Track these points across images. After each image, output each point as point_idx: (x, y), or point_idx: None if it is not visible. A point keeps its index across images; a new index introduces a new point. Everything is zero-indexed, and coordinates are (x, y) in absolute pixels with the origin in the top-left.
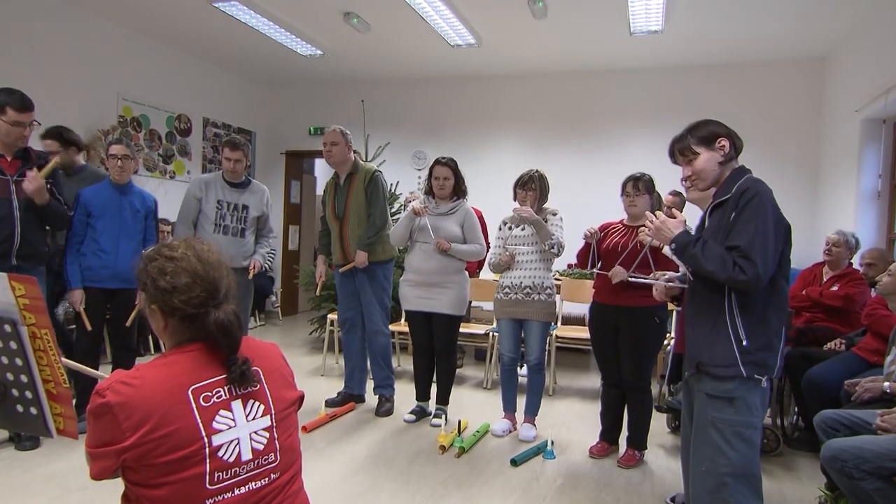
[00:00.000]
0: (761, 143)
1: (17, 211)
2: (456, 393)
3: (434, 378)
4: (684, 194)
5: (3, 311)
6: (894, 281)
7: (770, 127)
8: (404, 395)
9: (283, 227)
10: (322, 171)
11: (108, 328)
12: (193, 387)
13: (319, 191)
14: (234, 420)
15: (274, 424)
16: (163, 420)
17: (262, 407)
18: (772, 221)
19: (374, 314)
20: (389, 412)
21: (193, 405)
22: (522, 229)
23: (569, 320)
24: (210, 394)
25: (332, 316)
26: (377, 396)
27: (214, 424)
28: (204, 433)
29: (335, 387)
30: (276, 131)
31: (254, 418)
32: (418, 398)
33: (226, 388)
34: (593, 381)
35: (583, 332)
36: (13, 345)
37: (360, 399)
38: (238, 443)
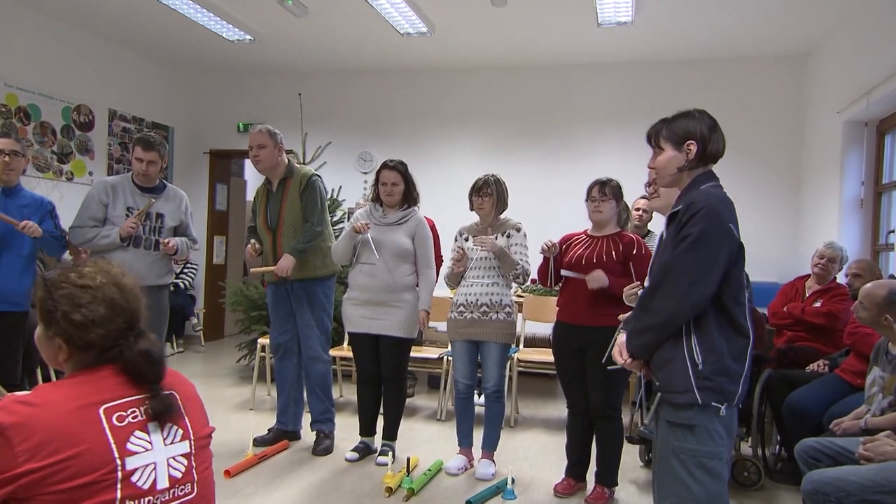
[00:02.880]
0: (739, 146)
1: None
2: (405, 426)
3: (381, 410)
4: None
5: None
6: (872, 317)
7: (748, 128)
8: (346, 430)
9: (207, 239)
10: (253, 175)
11: None
12: (106, 405)
13: (249, 196)
14: (150, 443)
15: (193, 452)
16: (68, 441)
17: (181, 432)
18: (710, 245)
19: (311, 337)
20: (329, 450)
21: (105, 424)
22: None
23: (532, 342)
24: (125, 413)
25: (264, 340)
26: (315, 432)
27: (129, 446)
28: (117, 454)
29: (266, 422)
30: (199, 127)
31: (172, 443)
32: (362, 433)
33: (142, 409)
34: (560, 409)
35: (547, 355)
36: None
37: (295, 436)
38: (154, 468)
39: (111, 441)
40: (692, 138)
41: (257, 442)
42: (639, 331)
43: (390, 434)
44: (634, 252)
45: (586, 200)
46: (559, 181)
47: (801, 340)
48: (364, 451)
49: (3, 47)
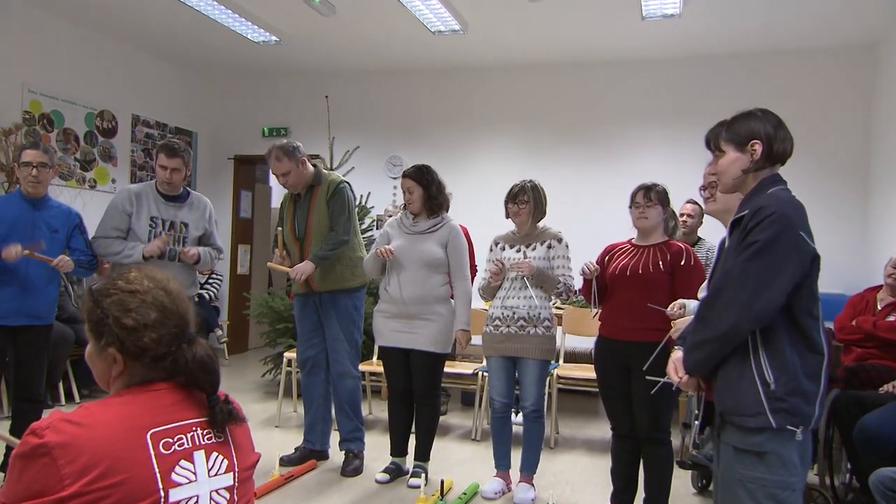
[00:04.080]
0: (799, 146)
1: None
2: (438, 446)
3: (413, 429)
4: (703, 205)
5: None
6: None
7: (808, 127)
8: (376, 449)
9: (231, 248)
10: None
11: (8, 374)
12: (153, 430)
13: (275, 203)
14: (195, 473)
15: (236, 485)
16: (113, 466)
17: (226, 463)
18: (779, 253)
19: (340, 352)
20: (358, 471)
21: (151, 452)
22: (518, 251)
23: (572, 357)
24: (171, 440)
25: (290, 354)
26: (343, 452)
27: (173, 476)
28: (161, 485)
29: (292, 440)
30: (223, 132)
31: (216, 474)
32: (393, 453)
33: (189, 436)
34: (603, 429)
35: (589, 372)
36: None
37: (323, 455)
38: (197, 501)
39: (156, 470)
40: (756, 138)
41: (284, 461)
42: (696, 344)
43: (423, 454)
44: (682, 262)
45: (630, 207)
46: (600, 186)
47: (872, 358)
48: (395, 473)
49: (27, 53)
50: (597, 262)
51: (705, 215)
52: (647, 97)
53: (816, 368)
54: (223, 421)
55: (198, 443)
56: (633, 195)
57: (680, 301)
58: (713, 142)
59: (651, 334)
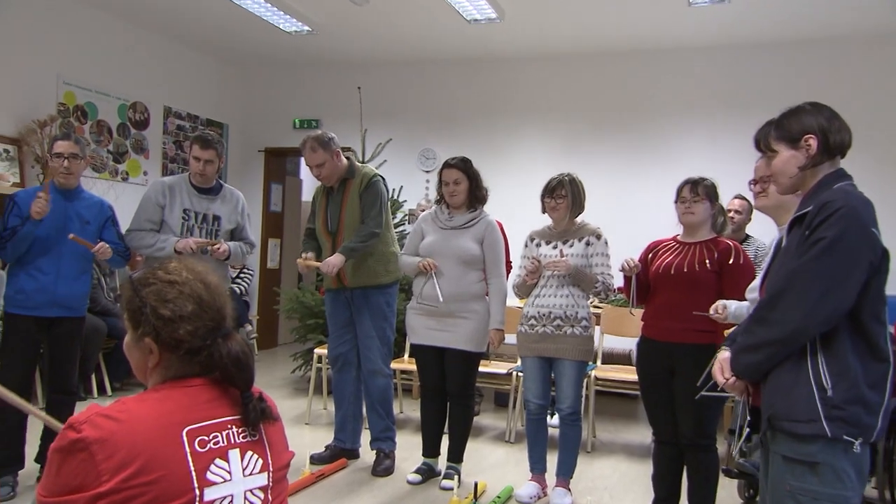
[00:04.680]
0: (860, 138)
1: None
2: (471, 447)
3: (445, 429)
4: (751, 201)
5: None
6: None
7: (871, 117)
8: (407, 449)
9: (262, 242)
10: (310, 173)
11: (42, 366)
12: (189, 427)
13: (306, 196)
14: (229, 472)
15: (270, 485)
16: (150, 463)
17: (261, 462)
18: (849, 250)
19: (372, 349)
20: (389, 471)
21: (187, 449)
22: (555, 247)
23: (610, 358)
24: (206, 438)
25: (321, 350)
26: (374, 451)
27: (208, 475)
28: (196, 484)
29: (322, 438)
30: (253, 124)
31: (250, 474)
32: (425, 454)
33: (224, 434)
34: (643, 434)
35: (629, 374)
36: None
37: (354, 454)
38: (231, 501)
39: (191, 468)
40: (810, 132)
41: (314, 459)
42: (752, 346)
43: (456, 456)
44: (731, 261)
45: (676, 202)
46: (642, 181)
47: None
48: (427, 474)
49: (62, 44)
50: (639, 260)
51: (754, 212)
52: (693, 87)
53: (881, 377)
54: (256, 419)
55: (233, 441)
56: (679, 189)
57: (721, 302)
58: (763, 142)
59: (697, 336)
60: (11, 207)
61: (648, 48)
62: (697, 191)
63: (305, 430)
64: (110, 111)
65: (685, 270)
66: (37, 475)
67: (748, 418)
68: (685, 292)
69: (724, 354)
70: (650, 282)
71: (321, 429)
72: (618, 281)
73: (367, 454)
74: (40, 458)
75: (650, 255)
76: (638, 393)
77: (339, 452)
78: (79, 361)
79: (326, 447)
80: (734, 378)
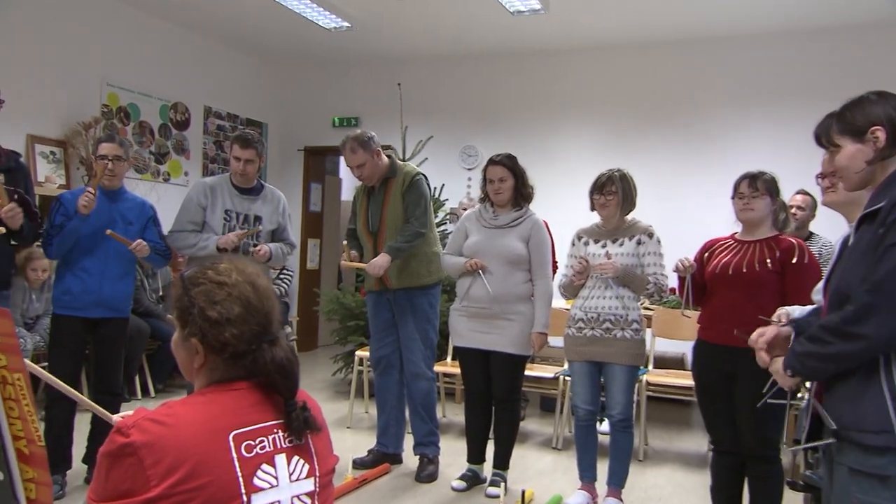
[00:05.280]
0: None
1: None
2: (517, 454)
3: (491, 434)
4: (815, 196)
5: None
6: None
7: None
8: (451, 454)
9: (301, 242)
10: (349, 172)
11: (87, 368)
12: (235, 432)
13: (345, 196)
14: (276, 478)
15: (317, 490)
16: (197, 469)
17: (307, 467)
18: None
19: (415, 352)
20: (433, 477)
21: (234, 454)
22: (603, 246)
23: (662, 362)
24: (253, 443)
25: (362, 353)
26: (417, 456)
27: (255, 481)
28: (244, 489)
29: (364, 442)
30: (292, 123)
31: (297, 479)
32: (470, 460)
33: (270, 438)
34: (698, 442)
35: (683, 378)
36: None
37: (397, 459)
38: None
39: (239, 473)
40: (877, 123)
41: (357, 464)
42: (828, 357)
43: (502, 462)
44: (795, 260)
45: (733, 198)
46: (696, 176)
47: None
48: (472, 480)
49: (105, 47)
50: (695, 259)
51: (818, 208)
52: (751, 76)
53: None
54: (299, 428)
55: (279, 446)
56: (737, 185)
57: (784, 310)
58: (824, 137)
59: None
60: (58, 207)
61: (700, 36)
62: (756, 185)
63: (347, 434)
64: (152, 112)
65: (744, 270)
66: (84, 475)
67: (810, 427)
68: (745, 293)
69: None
70: (706, 283)
71: (363, 433)
72: (671, 281)
73: (411, 459)
74: (87, 458)
75: (706, 255)
76: (692, 399)
77: (382, 457)
78: (123, 363)
79: (369, 452)
80: (790, 376)
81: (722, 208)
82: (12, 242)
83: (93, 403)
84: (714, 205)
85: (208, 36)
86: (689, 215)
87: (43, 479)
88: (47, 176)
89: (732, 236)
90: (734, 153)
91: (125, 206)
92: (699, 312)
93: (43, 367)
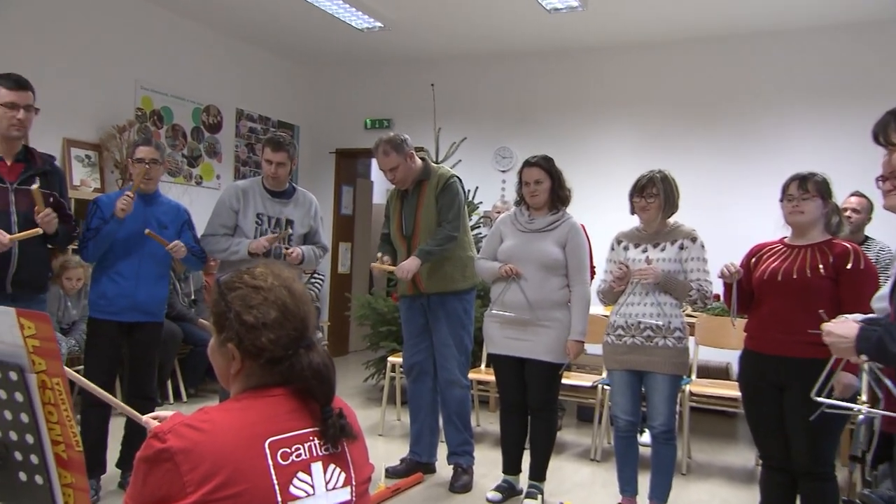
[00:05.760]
0: None
1: (16, 227)
2: (553, 465)
3: (527, 444)
4: (872, 199)
5: (9, 354)
6: None
7: None
8: (486, 465)
9: (332, 245)
10: (381, 175)
11: (121, 372)
12: (271, 439)
13: (377, 199)
14: (312, 486)
15: (353, 500)
16: (234, 476)
17: (344, 476)
18: None
19: (449, 359)
20: (468, 487)
21: (270, 462)
22: (644, 251)
23: (706, 372)
24: (289, 450)
25: (394, 359)
26: (452, 466)
27: (291, 489)
28: (280, 498)
29: (397, 451)
30: (324, 125)
31: (333, 488)
32: (506, 470)
33: (306, 446)
34: (745, 456)
35: (727, 389)
36: (19, 396)
37: (430, 469)
38: None
39: (275, 482)
40: None
41: (389, 473)
42: None
43: (538, 474)
44: (850, 266)
45: (781, 200)
46: (741, 178)
47: None
48: (508, 492)
49: (139, 50)
50: (741, 265)
51: (874, 211)
52: (799, 72)
53: None
54: (336, 436)
55: (315, 454)
56: (786, 186)
57: (845, 318)
58: (882, 135)
59: (810, 349)
60: (94, 210)
61: (746, 31)
62: (807, 187)
63: (379, 442)
64: (185, 115)
65: (795, 277)
66: (118, 480)
67: (876, 443)
68: (796, 301)
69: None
70: (753, 290)
71: (395, 441)
72: (716, 288)
73: (444, 469)
74: (121, 462)
75: (753, 260)
76: (737, 410)
77: (415, 466)
78: (157, 367)
79: (402, 460)
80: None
81: (769, 211)
82: (48, 245)
83: (127, 407)
84: (761, 207)
85: (240, 38)
86: (734, 219)
87: (80, 485)
88: (82, 179)
89: (781, 241)
90: (782, 153)
91: (160, 209)
92: (746, 320)
93: (78, 371)
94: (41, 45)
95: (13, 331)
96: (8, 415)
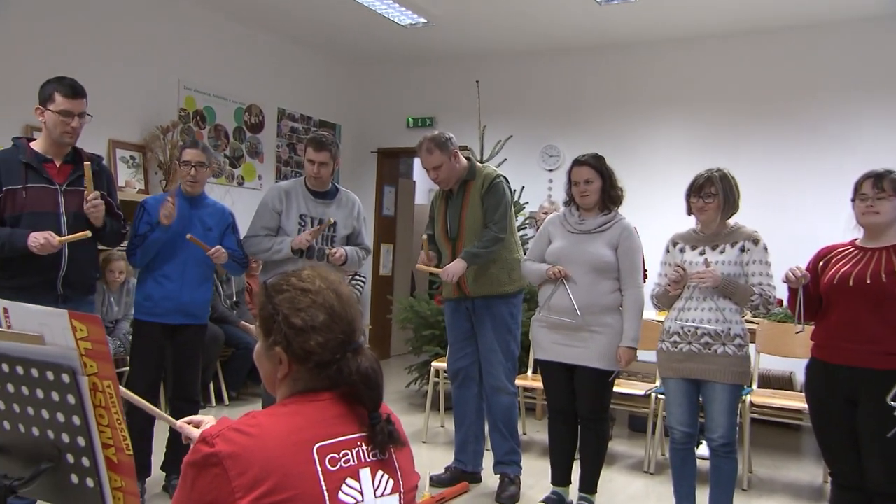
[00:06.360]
0: None
1: (65, 229)
2: (604, 477)
3: (576, 454)
4: None
5: (62, 357)
6: None
7: None
8: (534, 475)
9: (374, 247)
10: (424, 173)
11: (165, 374)
12: (319, 444)
13: (419, 199)
14: (361, 493)
15: None
16: (282, 482)
17: (392, 483)
18: None
19: (495, 364)
20: (515, 498)
21: (318, 467)
22: (702, 253)
23: (769, 381)
24: (337, 456)
25: (438, 364)
26: (498, 476)
27: (340, 496)
28: (329, 503)
29: (441, 458)
30: (366, 124)
31: (382, 495)
32: (554, 482)
33: (354, 452)
34: (811, 472)
35: (791, 400)
36: (71, 399)
37: (476, 478)
38: None
39: (324, 488)
40: None
41: (434, 481)
42: None
43: (589, 486)
44: None
45: (853, 199)
46: (807, 175)
47: None
48: None
49: (183, 50)
50: (807, 269)
51: None
52: (871, 63)
53: None
54: (384, 441)
55: (363, 460)
56: (859, 185)
57: None
58: None
59: (886, 360)
60: (141, 214)
61: (813, 21)
62: (883, 185)
63: (423, 450)
64: (227, 115)
65: (868, 282)
66: (162, 483)
67: None
68: (869, 308)
69: None
70: (821, 295)
71: (439, 448)
72: (780, 293)
73: (490, 478)
74: (166, 466)
75: (821, 264)
76: (802, 423)
77: (460, 475)
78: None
79: (446, 469)
80: None
81: (838, 211)
82: (98, 246)
83: (167, 416)
84: (829, 207)
85: (282, 36)
86: (800, 219)
87: (130, 489)
88: (127, 181)
89: (852, 243)
90: (852, 149)
91: (206, 211)
92: (813, 328)
93: (123, 373)
94: (87, 45)
95: (66, 333)
96: (60, 417)
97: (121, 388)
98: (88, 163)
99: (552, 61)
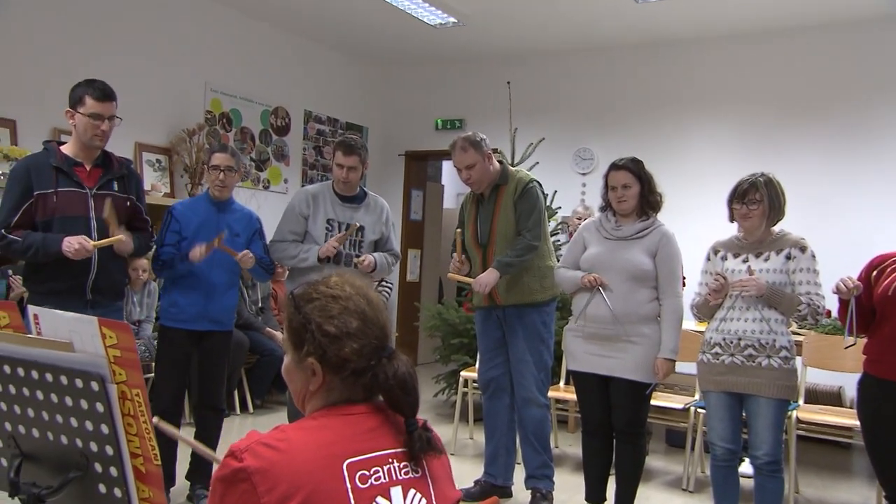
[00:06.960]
0: None
1: (96, 233)
2: (642, 494)
3: (612, 470)
4: None
5: (91, 364)
6: None
7: None
8: (567, 490)
9: (401, 253)
10: (453, 177)
11: (190, 381)
12: (349, 460)
13: (448, 203)
14: None
15: None
16: (311, 498)
17: (424, 502)
18: None
19: (526, 375)
20: None
21: (348, 485)
22: (745, 261)
23: (816, 396)
24: (367, 473)
25: (467, 374)
26: (530, 491)
27: None
28: None
29: (470, 471)
30: (393, 126)
31: None
32: (589, 498)
33: (386, 469)
34: (862, 494)
35: (841, 417)
36: (99, 407)
37: (506, 492)
38: None
39: None
40: None
41: (463, 496)
42: None
43: (625, 503)
44: None
45: None
46: (857, 181)
47: None
48: None
49: (209, 51)
50: (859, 278)
51: None
52: None
53: None
54: (421, 449)
55: (395, 477)
56: None
57: None
58: None
59: None
60: (169, 221)
61: (858, 17)
62: None
63: (451, 462)
64: (253, 117)
65: None
66: (186, 492)
67: None
68: None
69: None
70: (875, 307)
71: (468, 461)
72: (829, 303)
73: (521, 493)
74: (190, 475)
75: (874, 274)
76: (852, 441)
77: (490, 489)
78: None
79: (476, 482)
80: None
81: (891, 218)
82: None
83: (190, 439)
84: (882, 214)
85: (308, 37)
86: (850, 227)
87: (158, 499)
88: (153, 184)
89: None
90: None
91: (233, 217)
92: (865, 341)
93: (148, 380)
94: (113, 48)
95: (95, 340)
96: (89, 425)
97: (154, 418)
98: (110, 202)
99: (586, 61)
